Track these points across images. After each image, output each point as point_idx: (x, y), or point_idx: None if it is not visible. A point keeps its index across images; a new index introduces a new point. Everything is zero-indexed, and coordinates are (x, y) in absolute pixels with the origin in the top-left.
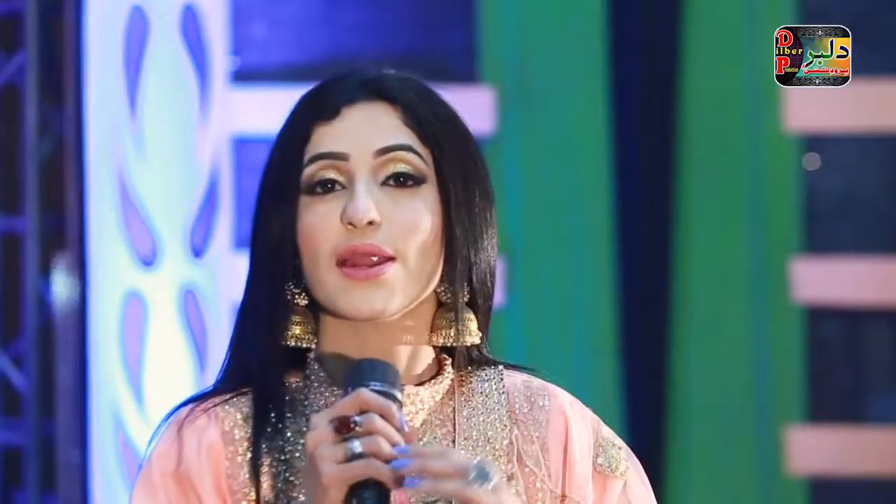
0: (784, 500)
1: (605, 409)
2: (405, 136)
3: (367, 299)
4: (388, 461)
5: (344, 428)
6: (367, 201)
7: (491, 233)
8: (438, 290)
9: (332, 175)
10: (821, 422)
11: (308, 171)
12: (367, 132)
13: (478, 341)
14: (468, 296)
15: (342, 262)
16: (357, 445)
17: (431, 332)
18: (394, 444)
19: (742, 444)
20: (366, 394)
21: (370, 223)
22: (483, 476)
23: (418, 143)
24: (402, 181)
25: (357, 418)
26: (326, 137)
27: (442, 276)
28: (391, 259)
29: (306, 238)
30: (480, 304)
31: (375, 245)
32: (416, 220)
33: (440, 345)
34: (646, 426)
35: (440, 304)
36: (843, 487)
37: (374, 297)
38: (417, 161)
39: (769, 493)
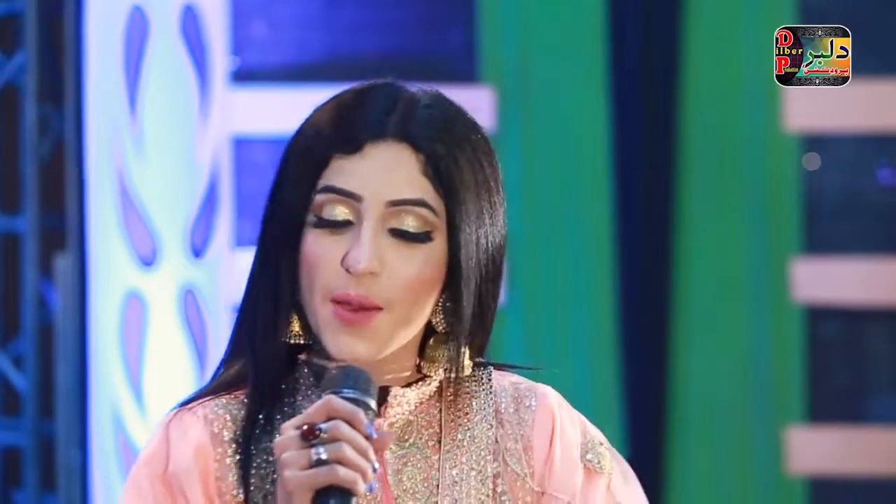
0: (784, 500)
1: (605, 409)
2: (421, 190)
3: (352, 345)
4: (354, 468)
5: (309, 434)
6: (371, 251)
7: (502, 258)
8: (433, 320)
9: (341, 210)
10: (821, 422)
11: (319, 198)
12: (384, 179)
13: (469, 372)
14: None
15: (334, 300)
16: (322, 451)
17: (422, 360)
18: (360, 451)
19: (742, 444)
20: (334, 401)
21: (370, 273)
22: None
23: (433, 196)
24: (409, 237)
25: (323, 425)
26: (343, 172)
27: (436, 306)
28: (378, 309)
29: (306, 266)
30: (485, 326)
31: (367, 297)
32: (415, 274)
33: (430, 373)
34: (646, 426)
35: (432, 328)
36: (843, 487)
37: (359, 344)
38: (429, 215)
39: (769, 493)
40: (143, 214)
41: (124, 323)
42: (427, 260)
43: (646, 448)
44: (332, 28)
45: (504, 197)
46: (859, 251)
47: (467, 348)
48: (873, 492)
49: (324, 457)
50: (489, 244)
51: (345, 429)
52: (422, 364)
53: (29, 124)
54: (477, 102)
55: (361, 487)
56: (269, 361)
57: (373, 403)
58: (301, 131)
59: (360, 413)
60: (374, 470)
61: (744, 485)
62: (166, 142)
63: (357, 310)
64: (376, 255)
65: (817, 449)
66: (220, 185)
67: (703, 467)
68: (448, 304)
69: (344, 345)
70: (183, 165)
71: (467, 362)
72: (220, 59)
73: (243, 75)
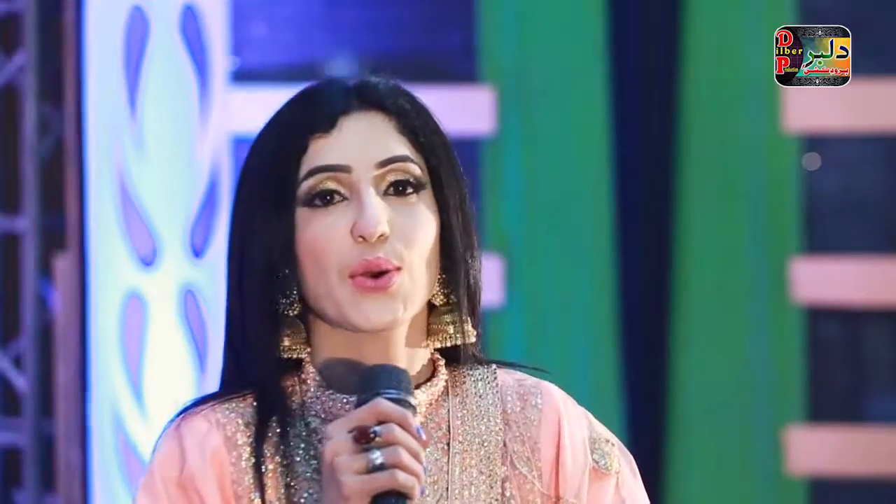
0: (784, 500)
1: (605, 409)
2: (403, 146)
3: (378, 311)
4: (410, 472)
5: (363, 438)
6: (379, 214)
7: (478, 234)
8: (433, 296)
9: (333, 186)
10: (821, 422)
11: (307, 183)
12: (367, 143)
13: (475, 339)
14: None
15: (352, 275)
16: (378, 456)
17: (429, 335)
18: (414, 454)
19: (742, 444)
20: (383, 403)
21: (381, 235)
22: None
23: (414, 153)
24: (402, 190)
25: (376, 428)
26: (325, 150)
27: (437, 280)
28: (398, 269)
29: (311, 252)
30: (475, 305)
31: (386, 258)
32: (418, 229)
33: (438, 347)
34: (646, 426)
35: (431, 307)
36: (843, 487)
37: (385, 308)
38: (416, 170)
39: (769, 493)
40: (143, 214)
41: (124, 323)
42: (425, 215)
43: (646, 448)
44: (332, 28)
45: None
46: (859, 251)
47: (469, 317)
48: (873, 492)
49: (381, 461)
50: (467, 196)
51: (398, 432)
52: (429, 340)
53: (29, 124)
54: (477, 102)
55: (417, 491)
56: (267, 370)
57: (414, 402)
58: (267, 132)
59: (410, 416)
60: (426, 472)
61: (744, 485)
62: (166, 142)
63: (378, 276)
64: (384, 216)
65: (817, 449)
66: (220, 185)
67: (703, 467)
68: (443, 276)
69: (372, 313)
70: (183, 165)
71: (471, 329)
72: (220, 59)
73: (243, 75)
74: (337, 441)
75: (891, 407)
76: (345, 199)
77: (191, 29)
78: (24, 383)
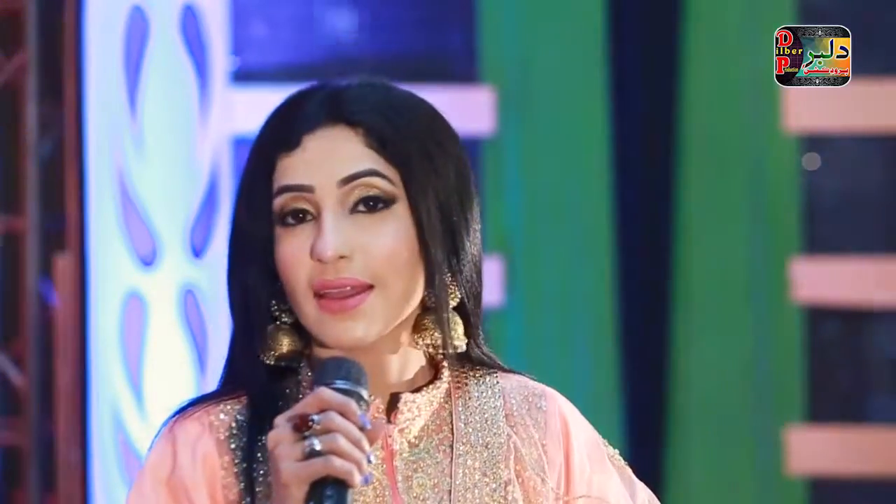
0: (784, 500)
1: (605, 409)
2: (369, 161)
3: (345, 330)
4: (348, 458)
5: (302, 426)
6: (334, 237)
7: (474, 232)
8: (424, 295)
9: (300, 205)
10: (821, 422)
11: (277, 202)
12: (329, 162)
13: (464, 347)
14: (457, 299)
15: (318, 295)
16: (315, 443)
17: (415, 333)
18: (354, 441)
19: (742, 444)
20: (325, 392)
21: (341, 257)
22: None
23: (384, 165)
24: (371, 206)
25: (315, 416)
26: (290, 170)
27: (425, 283)
28: (369, 287)
29: (283, 269)
30: (470, 307)
31: (350, 277)
32: (390, 244)
33: (426, 346)
34: (646, 426)
35: (425, 308)
36: (843, 487)
37: (352, 328)
38: (384, 184)
39: (769, 493)
40: (143, 214)
41: (124, 323)
42: (397, 228)
43: (646, 448)
44: (332, 28)
45: (467, 158)
46: (859, 251)
47: (459, 318)
48: (873, 492)
49: (318, 448)
50: (457, 195)
51: (337, 419)
52: (416, 338)
53: (29, 124)
54: (477, 102)
55: (357, 478)
56: (261, 377)
57: (365, 394)
58: (252, 143)
59: (352, 403)
60: (369, 461)
61: (744, 485)
62: (166, 142)
63: (346, 297)
64: (341, 238)
65: (817, 449)
66: (220, 185)
67: (703, 467)
68: (432, 280)
69: (340, 332)
70: (183, 165)
71: (461, 334)
72: (220, 59)
73: (243, 75)
74: (278, 430)
75: (891, 407)
76: (314, 217)
77: (191, 29)
78: (24, 383)
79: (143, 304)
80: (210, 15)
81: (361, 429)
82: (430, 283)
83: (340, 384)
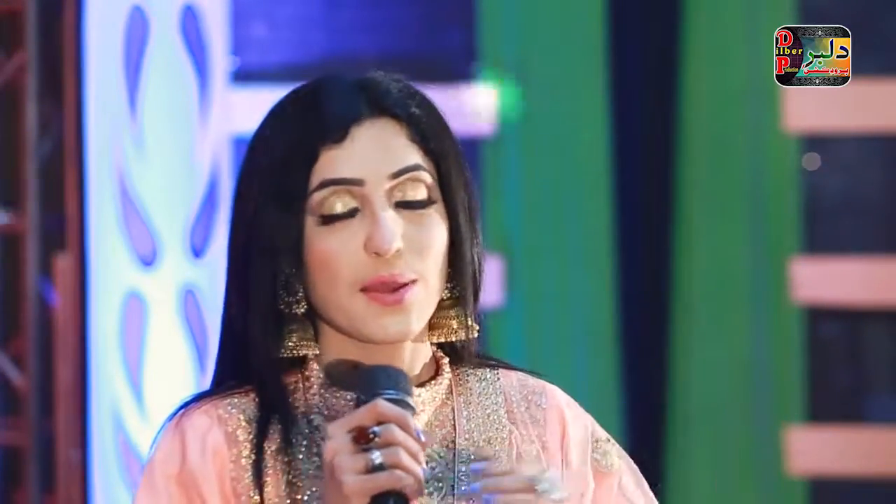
0: (784, 500)
1: (605, 409)
2: (414, 155)
3: (394, 324)
4: (409, 472)
5: (362, 439)
6: (393, 230)
7: (481, 230)
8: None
9: (346, 199)
10: (821, 422)
11: (319, 195)
12: (379, 154)
13: (477, 334)
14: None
15: (365, 289)
16: (378, 456)
17: (431, 330)
18: (413, 454)
19: (742, 444)
20: (382, 404)
21: (396, 251)
22: (552, 487)
23: (425, 160)
24: (414, 200)
25: (375, 429)
26: (338, 162)
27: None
28: (413, 282)
29: (323, 263)
30: (477, 289)
31: (401, 272)
32: (431, 240)
33: (440, 341)
34: (646, 426)
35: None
36: (843, 487)
37: (401, 321)
38: (427, 178)
39: (769, 493)
40: (143, 214)
41: (124, 323)
42: (436, 224)
43: (646, 448)
44: (332, 28)
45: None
46: (859, 251)
47: (472, 312)
48: (873, 492)
49: (380, 461)
50: (473, 195)
51: (398, 433)
52: (430, 335)
53: (29, 124)
54: (477, 102)
55: (416, 491)
56: (272, 367)
57: (412, 402)
58: (276, 129)
59: (410, 416)
60: (425, 472)
61: (744, 485)
62: (166, 142)
63: (395, 289)
64: (398, 231)
65: (817, 449)
66: (220, 185)
67: (703, 467)
68: (449, 271)
69: (389, 326)
70: (183, 165)
71: (473, 324)
72: (220, 59)
73: (243, 75)
74: (337, 441)
75: (891, 407)
76: (358, 211)
77: (191, 29)
78: (24, 383)
79: (143, 304)
80: (210, 15)
81: (416, 440)
82: (450, 278)
83: (391, 394)
